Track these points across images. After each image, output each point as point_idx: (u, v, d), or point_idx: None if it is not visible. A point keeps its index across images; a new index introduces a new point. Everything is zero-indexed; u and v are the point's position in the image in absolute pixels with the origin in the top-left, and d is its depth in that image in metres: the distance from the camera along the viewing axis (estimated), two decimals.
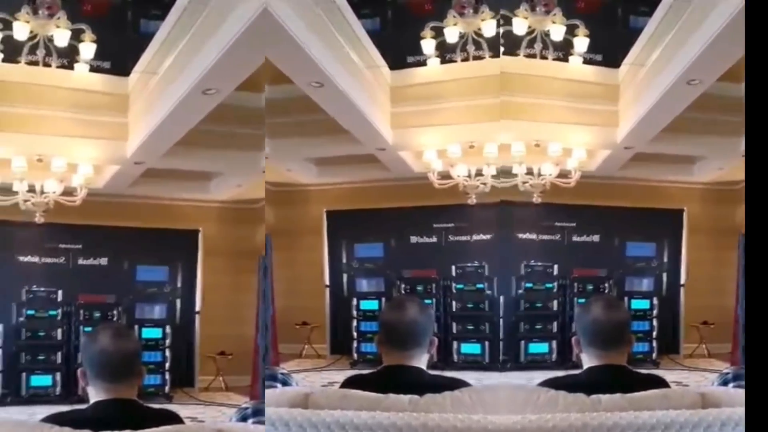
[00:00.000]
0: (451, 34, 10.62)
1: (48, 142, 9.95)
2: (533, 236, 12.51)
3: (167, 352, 11.66)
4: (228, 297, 12.08)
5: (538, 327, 12.10)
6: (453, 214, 12.43)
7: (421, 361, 4.51)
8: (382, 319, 4.66)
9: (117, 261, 12.10)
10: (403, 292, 12.20)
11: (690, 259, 12.32)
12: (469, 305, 12.29)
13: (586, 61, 10.54)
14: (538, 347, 12.02)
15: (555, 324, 12.09)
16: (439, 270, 12.42)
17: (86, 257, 11.98)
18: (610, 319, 4.52)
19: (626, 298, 11.91)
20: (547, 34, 10.49)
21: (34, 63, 9.84)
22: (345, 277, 12.96)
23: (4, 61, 9.71)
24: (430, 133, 10.93)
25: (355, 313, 12.38)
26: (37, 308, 11.56)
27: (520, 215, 12.38)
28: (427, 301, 11.46)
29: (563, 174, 11.03)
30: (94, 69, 10.07)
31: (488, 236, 12.47)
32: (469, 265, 12.42)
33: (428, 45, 10.69)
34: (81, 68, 10.01)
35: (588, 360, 4.55)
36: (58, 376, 11.36)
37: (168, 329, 11.77)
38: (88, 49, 9.93)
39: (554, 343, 12.00)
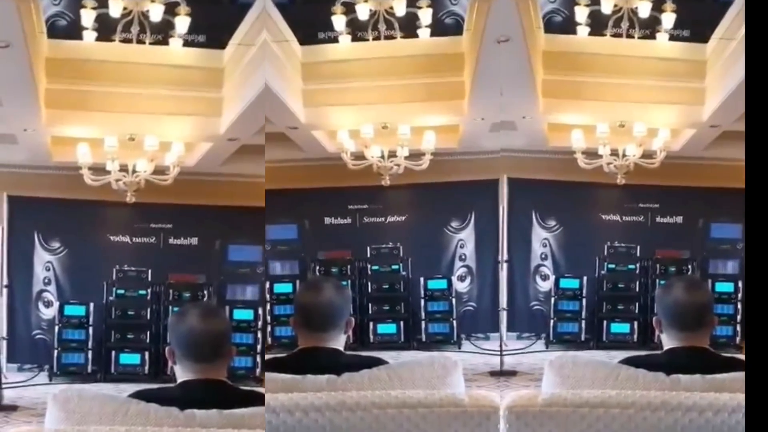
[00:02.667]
0: (362, 11, 10.35)
1: (140, 121, 9.95)
2: (616, 217, 12.52)
3: (259, 335, 11.64)
4: None
5: (620, 307, 12.11)
6: (367, 196, 12.35)
7: (338, 342, 4.47)
8: (298, 301, 4.64)
9: (208, 241, 12.13)
10: (318, 274, 12.05)
11: None
12: (385, 286, 12.28)
13: (673, 38, 10.36)
14: (620, 327, 12.02)
15: (636, 305, 12.08)
16: (354, 251, 12.36)
17: (177, 237, 12.06)
18: (692, 300, 4.47)
19: (710, 281, 11.78)
20: (634, 12, 10.43)
21: (128, 41, 9.83)
22: None
23: (97, 39, 9.76)
24: (343, 113, 10.66)
25: (268, 296, 12.11)
26: (126, 288, 11.73)
27: (604, 197, 12.41)
28: (342, 282, 11.41)
29: (647, 154, 10.93)
30: (188, 43, 9.98)
31: (402, 218, 12.55)
32: (383, 246, 12.41)
33: (339, 21, 10.36)
34: (175, 43, 9.93)
35: (668, 341, 4.52)
36: (147, 355, 11.50)
37: (260, 311, 11.73)
38: (182, 22, 9.84)
39: (635, 324, 12.00)
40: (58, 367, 11.49)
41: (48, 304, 11.78)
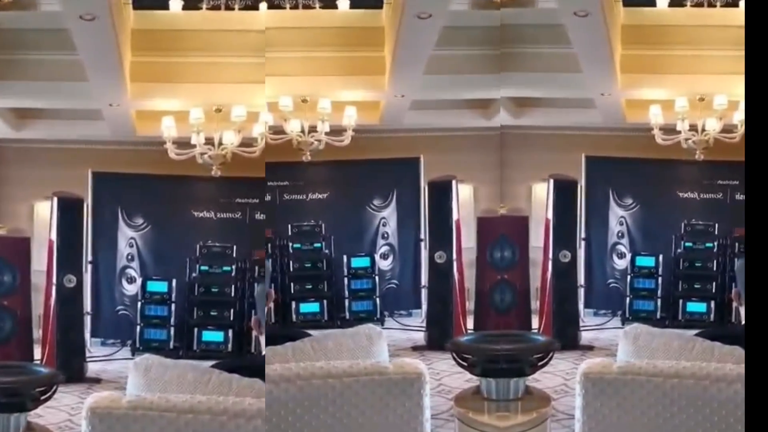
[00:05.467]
0: None
1: (227, 91, 9.94)
2: (694, 195, 12.47)
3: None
4: None
5: (696, 286, 12.08)
6: (288, 172, 12.26)
7: None
8: None
9: None
10: None
11: None
12: (307, 264, 12.27)
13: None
14: (697, 306, 12.00)
15: (714, 284, 12.03)
16: (275, 229, 12.24)
17: (263, 212, 12.00)
18: None
19: None
20: None
21: (216, 8, 9.83)
22: None
23: (184, 8, 9.80)
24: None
25: None
26: (210, 264, 11.80)
27: (682, 173, 12.37)
28: None
29: (727, 129, 10.77)
30: (273, 6, 9.94)
31: (324, 195, 12.51)
32: (305, 224, 12.38)
33: None
34: (263, 7, 9.85)
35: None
36: (230, 333, 11.50)
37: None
38: None
39: (712, 304, 11.97)
40: (140, 343, 11.64)
41: (131, 280, 11.91)
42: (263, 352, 4.16)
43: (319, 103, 10.56)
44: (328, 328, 11.48)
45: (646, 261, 12.26)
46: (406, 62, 9.95)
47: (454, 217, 11.73)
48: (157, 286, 11.76)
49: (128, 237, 11.97)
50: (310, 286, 12.23)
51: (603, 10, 9.58)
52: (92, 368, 11.05)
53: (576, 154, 12.27)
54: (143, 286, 11.79)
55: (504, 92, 10.94)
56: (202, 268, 11.79)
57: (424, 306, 12.06)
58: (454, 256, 11.67)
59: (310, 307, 12.17)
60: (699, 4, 10.33)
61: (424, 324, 11.88)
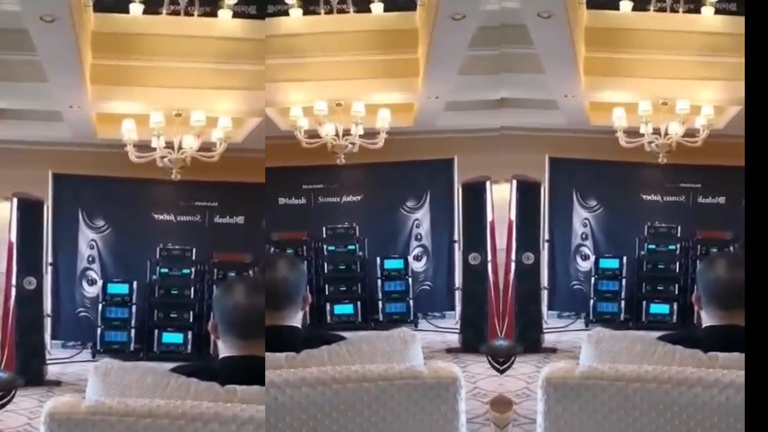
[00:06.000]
0: None
1: (187, 96, 9.81)
2: (657, 197, 12.52)
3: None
4: None
5: (660, 288, 12.12)
6: (322, 175, 12.42)
7: (296, 319, 4.43)
8: None
9: (254, 219, 12.10)
10: None
11: None
12: (341, 266, 12.33)
13: (719, 11, 10.16)
14: (660, 308, 12.05)
15: (677, 286, 12.07)
16: (310, 232, 12.39)
17: (222, 215, 12.18)
18: (734, 277, 4.34)
19: None
20: None
21: (176, 13, 9.70)
22: None
23: (145, 12, 9.65)
24: (296, 89, 10.44)
25: None
26: (170, 266, 11.80)
27: (645, 176, 12.41)
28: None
29: (690, 133, 10.77)
30: (238, 15, 9.81)
31: (358, 198, 12.62)
32: (339, 226, 12.47)
33: None
34: (224, 14, 9.76)
35: (708, 318, 4.46)
36: (190, 334, 11.54)
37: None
38: None
39: (675, 305, 12.00)
40: (101, 345, 11.58)
41: (92, 282, 11.90)
42: (220, 354, 4.12)
43: (353, 107, 10.54)
44: (361, 329, 11.82)
45: (609, 263, 12.29)
46: (440, 63, 9.91)
47: (488, 218, 11.66)
48: (118, 288, 11.71)
49: (89, 239, 11.97)
50: (344, 288, 12.32)
51: (567, 12, 9.54)
52: (52, 371, 10.93)
53: (540, 156, 12.28)
54: (104, 288, 11.73)
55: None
56: (162, 270, 11.78)
57: (458, 308, 12.04)
58: (489, 257, 11.55)
59: (344, 309, 12.28)
60: (662, 9, 10.31)
61: (458, 326, 11.82)
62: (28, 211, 11.11)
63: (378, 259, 12.40)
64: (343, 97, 10.45)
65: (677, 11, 10.26)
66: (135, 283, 11.68)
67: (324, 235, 12.41)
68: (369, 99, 10.60)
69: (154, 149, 10.07)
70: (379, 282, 12.33)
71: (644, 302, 12.11)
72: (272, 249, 12.12)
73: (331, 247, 12.38)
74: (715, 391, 4.11)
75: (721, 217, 12.34)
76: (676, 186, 12.50)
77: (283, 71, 10.15)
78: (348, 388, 4.19)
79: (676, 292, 12.07)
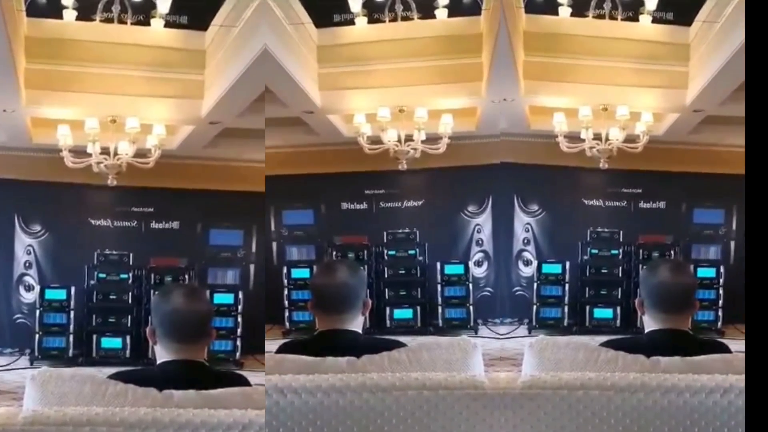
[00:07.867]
0: None
1: (122, 103, 9.80)
2: (599, 202, 12.54)
3: (239, 319, 11.49)
4: None
5: (603, 293, 12.13)
6: (384, 180, 12.43)
7: (356, 324, 4.46)
8: (314, 283, 4.60)
9: (190, 224, 12.18)
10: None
11: None
12: (401, 271, 12.28)
13: (656, 20, 10.24)
14: (603, 312, 12.06)
15: (619, 290, 12.10)
16: (371, 236, 12.37)
17: (158, 221, 12.11)
18: (677, 282, 4.45)
19: (692, 266, 11.78)
20: None
21: (109, 20, 9.69)
22: (274, 245, 12.83)
23: (78, 18, 9.61)
24: (359, 96, 10.57)
25: (285, 281, 12.12)
26: (108, 271, 11.67)
27: (587, 181, 12.42)
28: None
29: (630, 139, 10.84)
30: (170, 24, 9.81)
31: (419, 203, 12.61)
32: (400, 231, 12.45)
33: (355, 3, 10.30)
34: (157, 24, 9.78)
35: (650, 323, 4.50)
36: (128, 339, 11.42)
37: (240, 295, 11.60)
38: (164, 2, 9.69)
39: (618, 309, 12.02)
40: (39, 351, 11.41)
41: (29, 288, 11.78)
42: (157, 359, 4.10)
43: (416, 112, 10.65)
44: (420, 334, 11.66)
45: (552, 268, 12.27)
46: (504, 67, 9.91)
47: None
48: (56, 294, 11.54)
49: (26, 244, 11.85)
50: (404, 293, 12.25)
51: (505, 15, 9.53)
52: None
53: None
54: (41, 293, 11.55)
55: None
56: (100, 275, 11.65)
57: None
58: None
59: (403, 313, 12.19)
60: (601, 16, 10.34)
61: None
62: None
63: (438, 264, 12.30)
64: (406, 104, 10.58)
65: (616, 19, 10.30)
66: (73, 289, 11.52)
67: (385, 240, 12.39)
68: (432, 104, 10.73)
69: (90, 155, 10.02)
70: (439, 287, 12.24)
71: (587, 307, 12.12)
72: (334, 253, 12.19)
73: (392, 252, 12.34)
74: (658, 395, 4.10)
75: (661, 222, 12.43)
76: (617, 191, 12.54)
77: (346, 79, 10.38)
78: (408, 396, 4.18)
79: (619, 297, 12.10)
